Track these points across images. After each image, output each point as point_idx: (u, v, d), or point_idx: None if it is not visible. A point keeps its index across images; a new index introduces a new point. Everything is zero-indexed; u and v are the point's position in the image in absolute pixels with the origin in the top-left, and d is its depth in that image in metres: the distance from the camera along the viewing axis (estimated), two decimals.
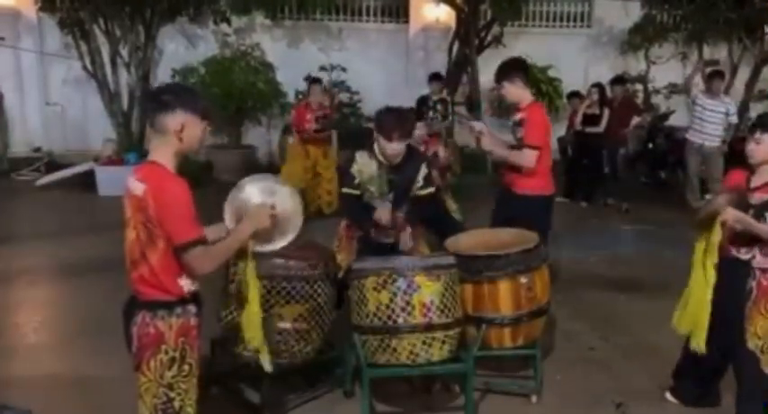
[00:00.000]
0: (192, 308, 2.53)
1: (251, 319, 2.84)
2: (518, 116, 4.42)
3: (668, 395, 3.76)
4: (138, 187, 2.41)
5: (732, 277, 3.24)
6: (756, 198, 3.24)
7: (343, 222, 4.17)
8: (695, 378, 3.65)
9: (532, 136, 4.29)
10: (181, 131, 2.44)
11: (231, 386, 3.80)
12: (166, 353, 2.46)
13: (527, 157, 4.28)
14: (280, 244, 2.93)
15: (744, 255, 3.26)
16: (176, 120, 2.43)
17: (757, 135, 3.25)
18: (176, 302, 2.47)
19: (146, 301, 2.47)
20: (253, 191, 2.89)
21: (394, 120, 3.76)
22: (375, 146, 3.87)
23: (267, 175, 3.13)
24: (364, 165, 3.90)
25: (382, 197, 3.95)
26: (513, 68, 4.44)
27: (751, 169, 3.32)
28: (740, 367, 3.39)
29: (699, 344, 3.26)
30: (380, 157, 3.86)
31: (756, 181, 3.29)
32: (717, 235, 3.16)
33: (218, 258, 2.54)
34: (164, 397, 2.50)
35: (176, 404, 2.52)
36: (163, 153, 2.46)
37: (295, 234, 2.95)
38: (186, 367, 2.51)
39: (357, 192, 3.93)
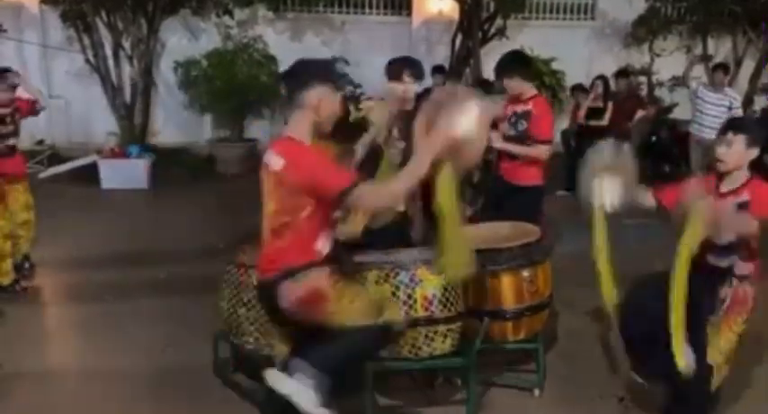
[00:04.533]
0: (325, 268, 2.61)
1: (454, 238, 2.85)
2: (520, 108, 4.41)
3: (632, 374, 3.65)
4: (276, 162, 2.51)
5: (706, 285, 3.09)
6: (729, 202, 3.04)
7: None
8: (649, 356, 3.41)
9: (544, 130, 4.33)
10: (318, 105, 2.53)
11: (232, 379, 3.81)
12: (331, 294, 2.55)
13: (543, 153, 4.36)
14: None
15: (723, 263, 3.12)
16: (314, 94, 2.52)
17: (729, 136, 3.02)
18: (309, 265, 2.55)
19: (281, 273, 2.54)
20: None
21: (401, 61, 3.80)
22: (387, 102, 3.78)
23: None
24: (379, 112, 3.77)
25: (394, 167, 3.83)
26: (510, 64, 4.45)
27: (719, 174, 3.12)
28: (690, 381, 3.09)
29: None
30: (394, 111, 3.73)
31: (728, 185, 3.09)
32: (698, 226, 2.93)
33: (389, 192, 2.57)
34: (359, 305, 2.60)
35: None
36: (299, 127, 2.55)
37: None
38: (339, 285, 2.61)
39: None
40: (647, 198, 3.32)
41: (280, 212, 2.54)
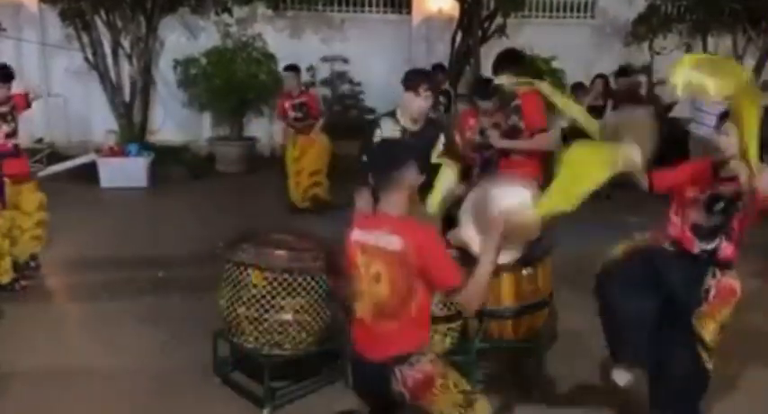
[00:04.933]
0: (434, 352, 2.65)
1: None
2: (513, 103, 4.49)
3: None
4: (393, 242, 2.46)
5: (691, 275, 3.13)
6: (725, 189, 3.08)
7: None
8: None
9: (534, 120, 4.38)
10: (413, 181, 2.56)
11: (233, 378, 3.81)
12: (441, 378, 2.53)
13: (544, 142, 4.40)
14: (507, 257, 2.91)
15: (707, 245, 3.12)
16: (412, 174, 2.54)
17: (725, 127, 3.08)
18: (422, 347, 2.55)
19: (395, 357, 2.51)
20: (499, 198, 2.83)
21: (421, 74, 3.90)
22: (398, 110, 3.84)
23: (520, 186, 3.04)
24: (388, 130, 3.84)
25: None
26: (502, 62, 4.50)
27: (715, 165, 3.16)
28: (677, 368, 3.22)
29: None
30: (403, 122, 3.82)
31: (726, 172, 3.12)
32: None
33: (482, 291, 2.51)
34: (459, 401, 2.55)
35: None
36: (401, 208, 2.54)
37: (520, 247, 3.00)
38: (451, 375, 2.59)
39: None
40: (643, 179, 3.32)
41: (394, 295, 2.49)
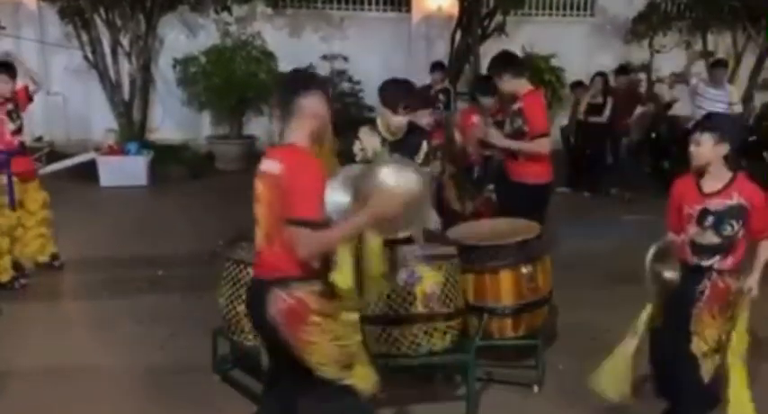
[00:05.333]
0: (318, 286, 2.53)
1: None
2: (516, 106, 4.45)
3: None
4: (274, 166, 2.49)
5: (687, 280, 3.17)
6: (715, 203, 3.08)
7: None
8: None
9: (538, 124, 4.34)
10: (316, 112, 2.56)
11: (233, 376, 3.81)
12: (317, 316, 2.47)
13: (541, 147, 4.36)
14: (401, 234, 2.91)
15: (706, 261, 3.16)
16: (313, 101, 2.55)
17: (696, 136, 3.08)
18: (307, 278, 2.50)
19: (275, 279, 2.50)
20: (386, 175, 2.68)
21: (400, 92, 3.73)
22: (378, 120, 3.83)
23: (406, 161, 2.96)
24: (367, 141, 3.83)
25: None
26: (499, 65, 4.50)
27: (698, 173, 3.15)
28: (679, 374, 3.26)
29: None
30: (384, 133, 3.82)
31: (710, 185, 3.11)
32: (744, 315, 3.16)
33: (324, 243, 2.48)
34: (341, 341, 2.52)
35: (352, 348, 2.57)
36: (298, 135, 2.55)
37: (420, 227, 2.96)
38: (342, 318, 2.54)
39: None
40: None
41: (271, 217, 2.52)
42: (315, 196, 2.44)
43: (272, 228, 2.52)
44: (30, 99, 5.40)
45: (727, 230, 3.08)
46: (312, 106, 2.55)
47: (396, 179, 2.61)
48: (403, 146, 3.84)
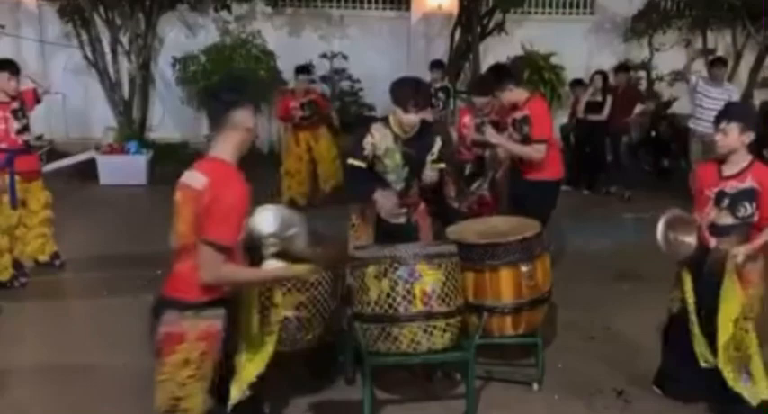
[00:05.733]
0: (221, 310, 2.49)
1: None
2: (519, 114, 4.54)
3: (654, 387, 3.74)
4: (198, 180, 2.42)
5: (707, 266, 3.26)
6: (731, 186, 3.22)
7: (359, 208, 4.07)
8: (678, 377, 3.59)
9: (540, 130, 4.46)
10: (246, 126, 2.50)
11: None
12: (184, 353, 2.44)
13: (538, 152, 4.48)
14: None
15: (722, 244, 3.25)
16: (243, 115, 2.48)
17: (723, 125, 3.21)
18: (207, 304, 2.45)
19: (176, 300, 2.46)
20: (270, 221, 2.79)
21: (410, 90, 3.71)
22: (390, 118, 3.83)
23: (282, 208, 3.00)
24: (380, 137, 3.82)
25: (397, 170, 3.88)
26: (498, 78, 4.58)
27: (720, 159, 3.30)
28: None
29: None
30: (396, 130, 3.81)
31: (729, 169, 3.26)
32: (731, 280, 3.19)
33: (236, 277, 2.48)
34: (175, 394, 2.48)
35: (183, 405, 2.49)
36: (226, 149, 2.50)
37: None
38: (201, 371, 2.47)
39: (363, 164, 3.85)
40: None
41: (185, 233, 2.44)
42: (234, 218, 2.38)
43: (185, 244, 2.45)
44: (38, 100, 5.42)
45: (741, 212, 3.19)
46: (242, 120, 2.48)
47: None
48: (416, 143, 3.85)
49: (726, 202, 3.21)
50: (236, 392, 2.66)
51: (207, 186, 2.38)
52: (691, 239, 3.27)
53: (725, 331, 3.21)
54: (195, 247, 2.40)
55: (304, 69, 7.74)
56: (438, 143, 3.91)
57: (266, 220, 2.79)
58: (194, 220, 2.40)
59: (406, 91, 3.71)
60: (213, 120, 2.54)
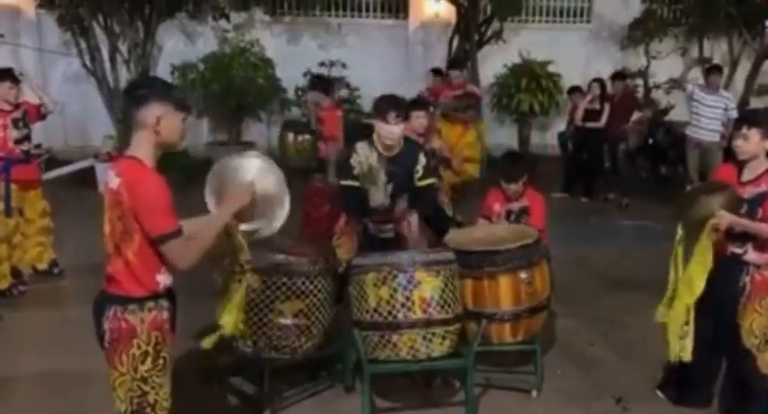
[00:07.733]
0: (164, 302, 2.52)
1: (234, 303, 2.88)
2: (516, 205, 4.29)
3: (658, 392, 3.75)
4: (114, 181, 2.41)
5: (726, 274, 3.24)
6: (748, 192, 3.22)
7: (343, 218, 4.17)
8: (683, 381, 3.60)
9: (538, 221, 4.23)
10: (157, 124, 2.42)
11: (231, 381, 3.81)
12: (139, 347, 2.46)
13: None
14: (274, 223, 2.97)
15: (738, 248, 3.26)
16: (152, 113, 2.41)
17: (744, 130, 3.21)
18: (149, 297, 2.47)
19: (117, 296, 2.48)
20: (233, 169, 2.92)
21: (390, 101, 3.87)
22: (374, 135, 3.90)
23: (249, 152, 3.13)
24: (365, 155, 3.90)
25: (382, 187, 3.93)
26: (521, 169, 4.31)
27: (741, 164, 3.30)
28: (737, 367, 3.38)
29: (681, 352, 3.31)
30: (380, 148, 3.88)
31: (748, 175, 3.27)
32: (707, 239, 3.15)
33: (198, 248, 2.48)
34: (138, 391, 2.49)
35: (151, 398, 2.51)
36: (141, 148, 2.45)
37: (284, 210, 2.99)
38: (160, 361, 2.50)
39: (356, 183, 3.93)
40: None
41: (111, 233, 2.44)
42: (163, 207, 2.38)
43: (115, 244, 2.45)
44: (42, 117, 5.44)
45: (758, 215, 3.18)
46: (148, 117, 2.41)
47: (245, 168, 2.87)
48: (399, 160, 3.89)
49: (744, 207, 3.20)
50: (209, 341, 2.83)
51: (120, 185, 2.38)
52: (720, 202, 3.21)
53: (689, 291, 3.23)
54: (124, 244, 2.41)
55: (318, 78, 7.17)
56: (422, 160, 3.97)
57: (263, 172, 2.91)
58: (120, 220, 2.40)
59: (387, 101, 3.86)
60: (127, 118, 2.53)
